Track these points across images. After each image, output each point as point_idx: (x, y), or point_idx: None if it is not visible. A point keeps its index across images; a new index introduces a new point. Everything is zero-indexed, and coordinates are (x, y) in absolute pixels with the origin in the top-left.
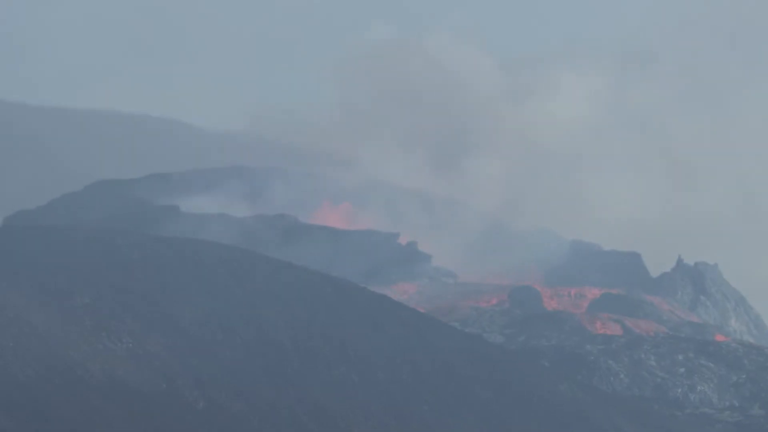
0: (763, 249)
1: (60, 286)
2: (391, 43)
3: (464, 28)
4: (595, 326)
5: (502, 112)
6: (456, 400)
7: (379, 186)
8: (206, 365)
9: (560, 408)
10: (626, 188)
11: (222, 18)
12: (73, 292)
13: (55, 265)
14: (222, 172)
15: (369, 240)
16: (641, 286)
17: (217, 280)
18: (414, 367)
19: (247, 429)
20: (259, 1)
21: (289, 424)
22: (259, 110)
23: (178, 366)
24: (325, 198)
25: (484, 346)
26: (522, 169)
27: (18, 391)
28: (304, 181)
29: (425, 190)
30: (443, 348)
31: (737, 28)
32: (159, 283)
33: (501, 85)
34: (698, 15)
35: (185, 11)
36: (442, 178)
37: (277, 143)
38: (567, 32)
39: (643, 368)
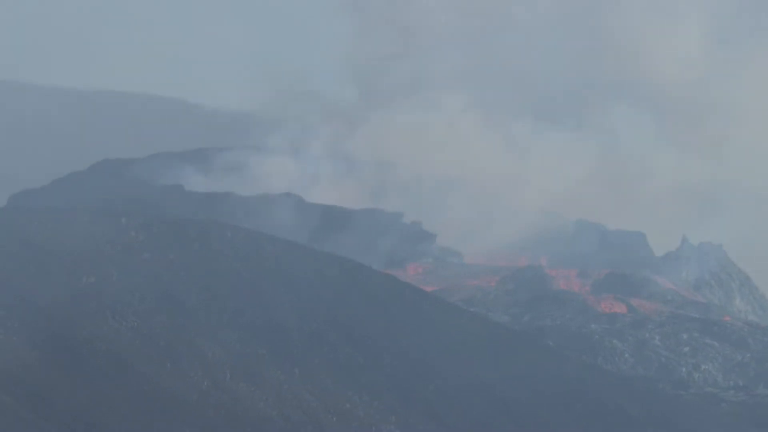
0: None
1: (65, 265)
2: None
3: None
4: (600, 306)
5: None
6: (461, 379)
7: (384, 166)
8: (211, 346)
9: (565, 387)
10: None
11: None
12: (78, 271)
13: (60, 244)
14: (227, 151)
15: (374, 220)
16: (646, 266)
17: (223, 260)
18: (419, 347)
19: (252, 410)
20: None
21: (294, 406)
22: (264, 88)
23: (183, 346)
24: (331, 177)
25: (489, 326)
26: None
27: (24, 371)
28: (310, 161)
29: (436, 171)
30: (448, 328)
31: None
32: (164, 263)
33: None
34: None
35: None
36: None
37: (281, 122)
38: None
39: (648, 348)
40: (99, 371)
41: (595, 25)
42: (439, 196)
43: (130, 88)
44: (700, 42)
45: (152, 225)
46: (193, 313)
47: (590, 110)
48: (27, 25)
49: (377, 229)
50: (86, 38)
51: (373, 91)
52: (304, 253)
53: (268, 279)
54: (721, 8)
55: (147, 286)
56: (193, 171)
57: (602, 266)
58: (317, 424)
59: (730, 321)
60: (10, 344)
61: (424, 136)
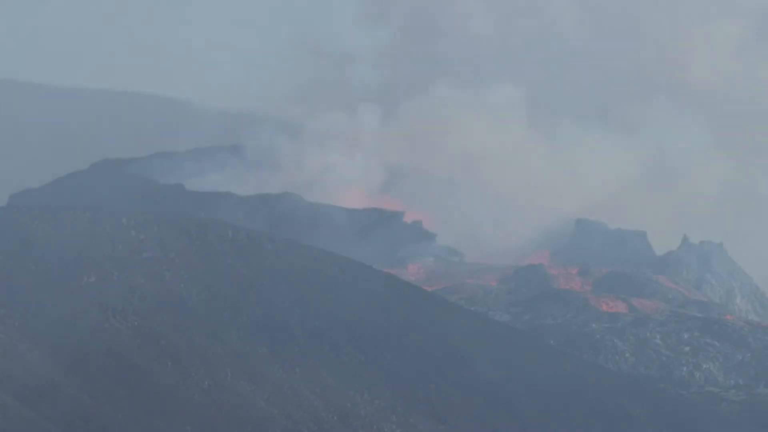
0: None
1: (66, 265)
2: None
3: None
4: (601, 305)
5: None
6: (462, 379)
7: (385, 165)
8: (212, 344)
9: (566, 386)
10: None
11: None
12: (78, 271)
13: (61, 244)
14: (227, 150)
15: (374, 219)
16: (647, 265)
17: (223, 259)
18: (420, 346)
19: (253, 409)
20: None
21: (295, 404)
22: (265, 88)
23: (184, 345)
24: (331, 177)
25: (490, 325)
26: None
27: (24, 370)
28: (309, 160)
29: (430, 169)
30: (449, 327)
31: None
32: (165, 262)
33: None
34: None
35: None
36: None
37: (282, 121)
38: None
39: (649, 347)
40: (100, 371)
41: (632, 24)
42: (447, 195)
43: (130, 87)
44: (738, 42)
45: (153, 224)
46: (193, 312)
47: (623, 112)
48: (27, 24)
49: (378, 228)
50: (87, 37)
51: (398, 87)
52: (305, 252)
53: (268, 278)
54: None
55: (147, 285)
56: (193, 170)
57: (603, 265)
58: (318, 423)
59: (731, 320)
60: (10, 344)
61: (453, 135)
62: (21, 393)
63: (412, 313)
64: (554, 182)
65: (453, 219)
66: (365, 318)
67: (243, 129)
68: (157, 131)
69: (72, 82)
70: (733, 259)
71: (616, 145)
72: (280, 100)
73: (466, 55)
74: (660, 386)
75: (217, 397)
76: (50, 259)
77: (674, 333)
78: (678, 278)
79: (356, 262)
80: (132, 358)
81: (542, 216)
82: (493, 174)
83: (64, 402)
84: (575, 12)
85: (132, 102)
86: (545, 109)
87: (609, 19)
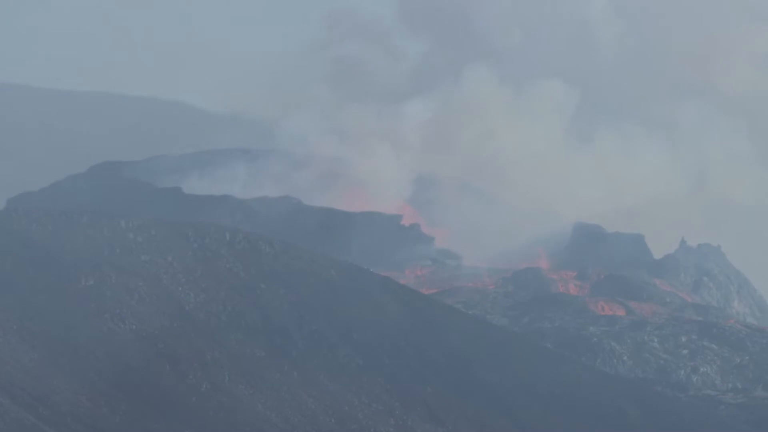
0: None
1: (64, 268)
2: None
3: None
4: (598, 308)
5: None
6: (460, 382)
7: (383, 168)
8: (210, 348)
9: (563, 390)
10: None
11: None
12: (77, 274)
13: (59, 247)
14: (225, 153)
15: (372, 222)
16: (644, 268)
17: (221, 262)
18: (418, 349)
19: (251, 412)
20: None
21: (293, 408)
22: (261, 91)
23: (182, 348)
24: (329, 180)
25: (487, 329)
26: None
27: (23, 373)
28: (307, 163)
29: (429, 171)
30: (447, 330)
31: None
32: (163, 266)
33: None
34: None
35: None
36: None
37: (280, 124)
38: None
39: (646, 350)
40: (98, 374)
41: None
42: (453, 197)
43: (128, 90)
44: None
45: (151, 227)
46: (191, 316)
47: (656, 118)
48: (25, 27)
49: (375, 231)
50: (85, 40)
51: (428, 87)
52: (303, 255)
53: (266, 281)
54: None
55: (146, 288)
56: (191, 173)
57: (601, 268)
58: (316, 426)
59: (728, 323)
60: (9, 346)
61: (482, 138)
62: (19, 396)
63: (410, 317)
64: (570, 187)
65: (453, 221)
66: (363, 321)
67: (241, 132)
68: (155, 134)
69: (70, 86)
70: (731, 262)
71: (647, 152)
72: (287, 99)
73: (500, 56)
74: (657, 389)
75: (215, 401)
76: (48, 263)
77: (672, 336)
78: (676, 281)
79: (354, 265)
80: (130, 362)
81: (541, 219)
82: (511, 178)
83: (62, 405)
84: (610, 16)
85: (130, 105)
86: (574, 112)
87: (642, 23)
